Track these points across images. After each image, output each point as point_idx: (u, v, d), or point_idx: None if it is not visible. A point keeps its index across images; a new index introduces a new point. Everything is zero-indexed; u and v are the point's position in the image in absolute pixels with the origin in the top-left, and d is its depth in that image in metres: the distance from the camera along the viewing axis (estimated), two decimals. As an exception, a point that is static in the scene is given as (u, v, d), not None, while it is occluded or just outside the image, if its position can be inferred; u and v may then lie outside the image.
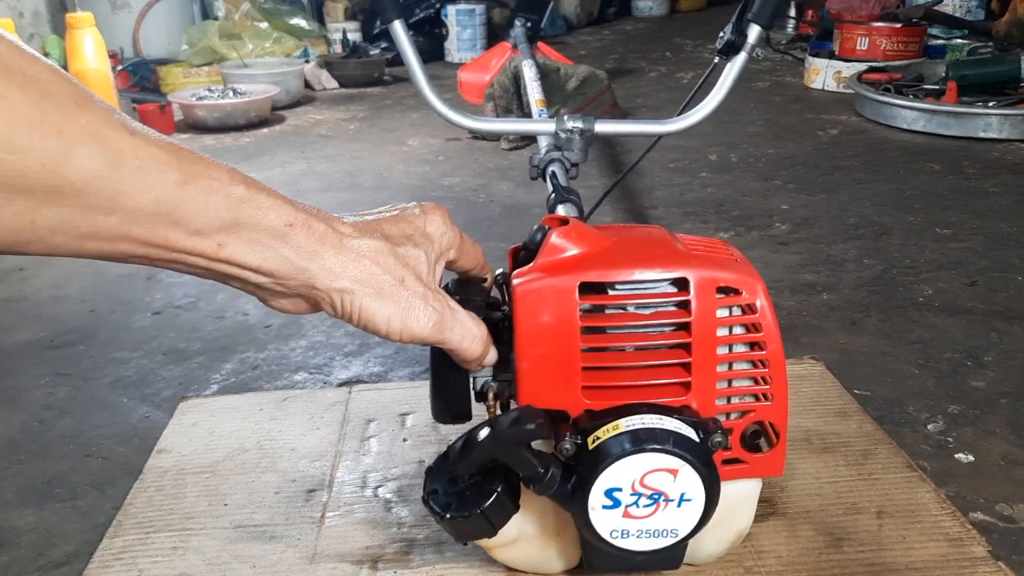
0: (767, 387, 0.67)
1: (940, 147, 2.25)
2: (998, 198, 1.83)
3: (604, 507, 0.63)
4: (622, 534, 0.65)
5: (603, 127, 1.38)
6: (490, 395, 0.70)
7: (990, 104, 2.34)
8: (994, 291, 1.38)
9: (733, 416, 0.68)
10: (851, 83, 2.75)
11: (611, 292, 0.66)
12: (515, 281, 0.66)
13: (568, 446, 0.64)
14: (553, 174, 1.36)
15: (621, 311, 0.66)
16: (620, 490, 0.63)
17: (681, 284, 0.65)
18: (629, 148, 2.31)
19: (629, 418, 0.63)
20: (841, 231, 1.65)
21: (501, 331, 0.69)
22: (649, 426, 0.62)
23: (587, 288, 0.65)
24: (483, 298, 0.71)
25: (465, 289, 0.71)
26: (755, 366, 0.67)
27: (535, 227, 0.70)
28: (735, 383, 0.67)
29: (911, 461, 0.93)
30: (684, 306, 0.65)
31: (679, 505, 0.64)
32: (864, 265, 1.49)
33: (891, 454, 0.94)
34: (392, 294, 0.59)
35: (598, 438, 0.63)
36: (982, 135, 2.31)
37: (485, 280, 0.73)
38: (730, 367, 0.67)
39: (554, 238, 0.67)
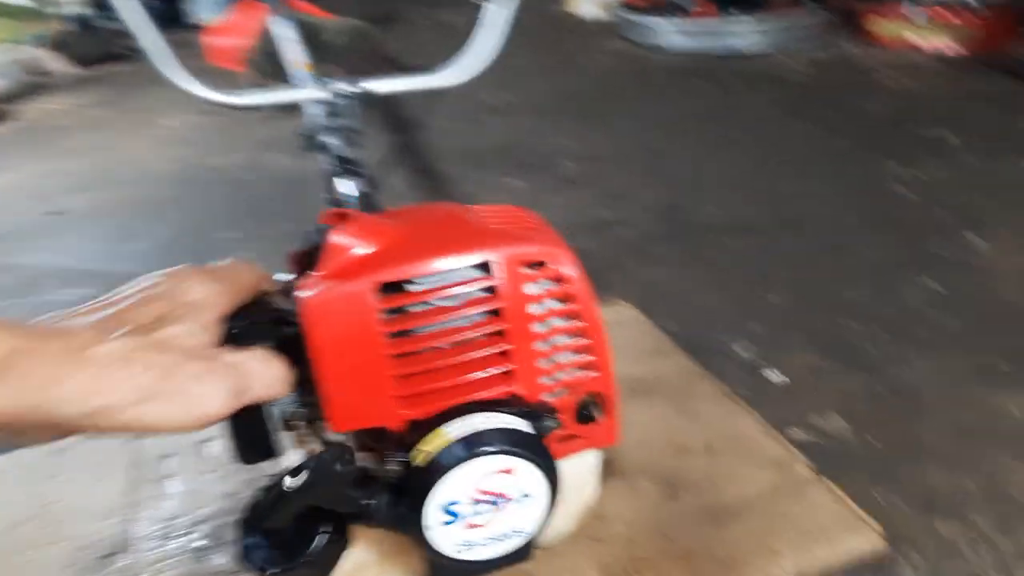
0: (591, 357, 0.64)
1: (705, 66, 2.35)
2: (762, 110, 1.93)
3: (444, 523, 0.58)
4: (467, 546, 0.60)
5: (378, 86, 1.29)
6: (298, 425, 0.62)
7: (743, 18, 2.46)
8: (776, 204, 1.45)
9: (561, 393, 0.64)
10: (615, 9, 2.80)
11: (411, 289, 0.59)
12: (301, 294, 0.58)
13: (393, 467, 0.57)
14: (326, 145, 1.26)
15: (425, 307, 0.60)
16: (458, 503, 0.58)
17: (484, 267, 0.60)
18: (407, 103, 2.22)
19: (453, 423, 0.58)
20: (625, 162, 1.68)
21: (298, 349, 0.61)
22: (477, 429, 0.57)
23: (384, 289, 0.58)
24: (269, 316, 0.62)
25: (247, 312, 0.62)
26: (575, 337, 0.64)
27: (312, 228, 0.61)
28: (557, 358, 0.64)
29: (729, 391, 0.95)
30: (491, 291, 0.60)
31: (521, 503, 0.60)
32: (652, 194, 1.53)
33: (710, 387, 0.95)
34: (164, 390, 0.49)
35: (424, 452, 0.57)
36: (741, 49, 2.43)
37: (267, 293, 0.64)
38: (550, 344, 0.63)
39: (335, 238, 0.59)
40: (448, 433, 0.57)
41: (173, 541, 0.80)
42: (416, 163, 1.78)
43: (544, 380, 0.63)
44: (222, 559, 0.77)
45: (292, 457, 0.67)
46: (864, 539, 0.73)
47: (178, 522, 0.82)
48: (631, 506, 0.79)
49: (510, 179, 1.61)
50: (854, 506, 0.77)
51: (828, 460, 0.84)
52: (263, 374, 0.54)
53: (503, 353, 0.61)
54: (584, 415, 0.67)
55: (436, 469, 0.56)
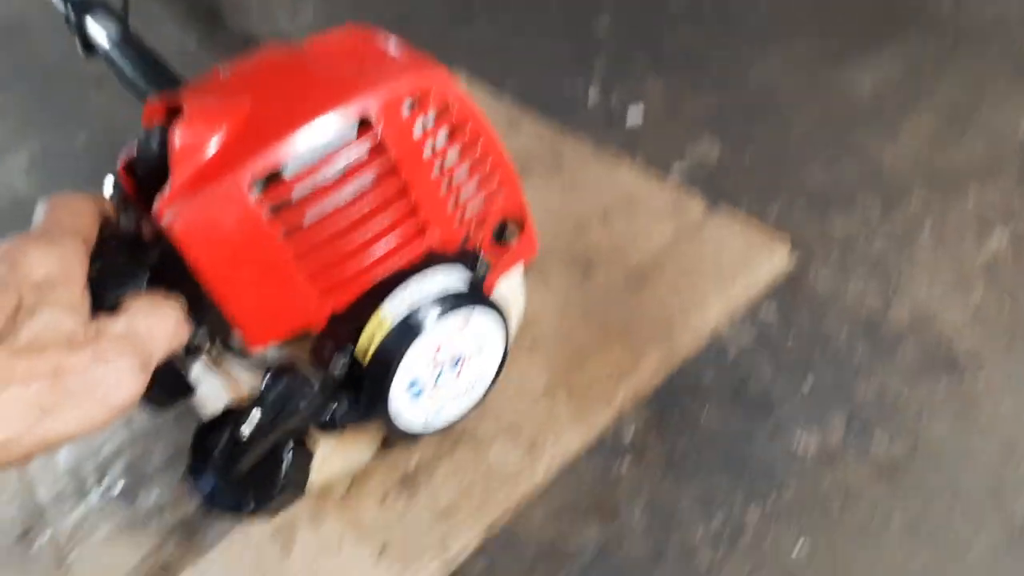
0: (497, 179, 0.59)
1: None
2: None
3: (410, 402, 0.54)
4: (436, 413, 0.57)
5: None
6: (205, 347, 0.55)
7: None
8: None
9: (475, 228, 0.59)
10: None
11: (287, 177, 0.50)
12: (165, 218, 0.47)
13: (339, 371, 0.52)
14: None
15: (311, 190, 0.51)
16: (418, 378, 0.54)
17: (363, 123, 0.51)
18: None
19: (388, 305, 0.52)
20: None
21: (173, 272, 0.52)
22: (415, 301, 0.52)
23: (258, 184, 0.49)
24: (124, 251, 0.51)
25: (99, 251, 0.50)
26: (478, 165, 0.57)
27: (143, 134, 0.50)
28: (464, 194, 0.58)
29: (597, 146, 0.92)
30: (381, 146, 0.52)
31: (480, 353, 0.57)
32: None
33: (576, 147, 0.92)
34: (61, 398, 0.39)
35: (370, 343, 0.52)
36: None
37: (111, 221, 0.53)
38: (451, 183, 0.56)
39: (180, 139, 0.48)
40: (388, 315, 0.52)
41: (91, 493, 0.72)
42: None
43: (456, 222, 0.57)
44: (154, 492, 0.71)
45: (208, 383, 0.60)
46: (776, 259, 0.76)
47: (84, 470, 0.74)
48: (551, 300, 0.78)
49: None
50: (756, 230, 0.79)
51: (715, 187, 0.85)
52: (160, 328, 0.46)
53: (410, 211, 0.54)
54: (502, 239, 0.62)
55: (389, 356, 0.52)
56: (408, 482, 0.67)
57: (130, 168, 0.52)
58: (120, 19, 1.00)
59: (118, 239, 0.52)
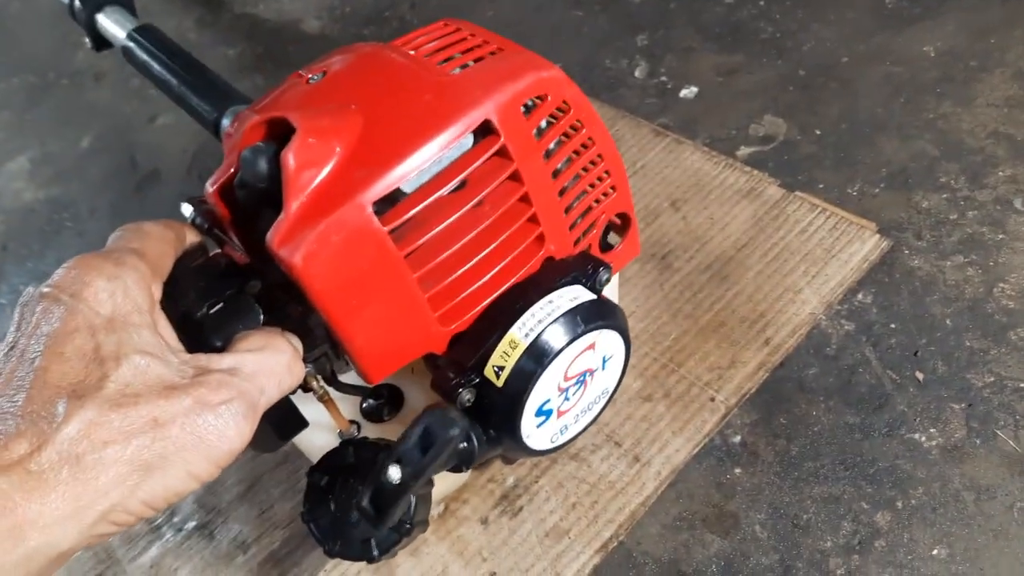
0: (609, 181, 0.55)
1: None
2: None
3: (538, 426, 0.52)
4: (561, 432, 0.54)
5: None
6: (314, 382, 0.51)
7: None
8: None
9: (588, 231, 0.56)
10: None
11: (408, 191, 0.46)
12: (285, 251, 0.44)
13: (468, 397, 0.49)
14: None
15: (432, 205, 0.47)
16: (548, 400, 0.51)
17: (485, 130, 0.48)
18: None
19: (520, 325, 0.49)
20: None
21: (278, 303, 0.48)
22: (547, 318, 0.49)
23: (381, 205, 0.45)
24: (224, 281, 0.48)
25: (188, 285, 0.47)
26: (593, 166, 0.54)
27: (248, 153, 0.45)
28: (577, 198, 0.54)
29: (655, 127, 0.89)
30: (503, 153, 0.48)
31: (604, 367, 0.54)
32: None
33: (634, 129, 0.89)
34: (163, 453, 0.36)
35: (500, 368, 0.49)
36: None
37: (196, 248, 0.49)
38: (567, 187, 0.53)
39: (296, 160, 0.44)
40: (521, 336, 0.49)
41: (164, 531, 0.69)
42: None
43: (569, 227, 0.54)
44: (233, 528, 0.68)
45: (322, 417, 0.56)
46: (866, 241, 0.74)
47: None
48: (632, 297, 0.75)
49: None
50: (840, 211, 0.77)
51: (785, 167, 0.83)
52: (272, 368, 0.43)
53: (531, 219, 0.51)
54: (608, 242, 0.59)
55: (524, 380, 0.49)
56: (509, 501, 0.65)
57: (225, 191, 0.48)
58: (132, 10, 0.95)
59: (210, 269, 0.48)
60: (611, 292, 0.64)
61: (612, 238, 0.61)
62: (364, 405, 0.60)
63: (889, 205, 0.77)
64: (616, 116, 0.91)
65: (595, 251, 0.57)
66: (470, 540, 0.63)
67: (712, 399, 0.67)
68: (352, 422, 0.58)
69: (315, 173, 0.45)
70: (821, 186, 0.80)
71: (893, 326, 0.69)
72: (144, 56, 0.84)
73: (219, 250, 0.52)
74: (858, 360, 0.68)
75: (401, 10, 1.23)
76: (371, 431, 0.58)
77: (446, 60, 0.52)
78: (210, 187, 0.49)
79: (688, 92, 0.93)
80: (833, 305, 0.71)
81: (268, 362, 0.42)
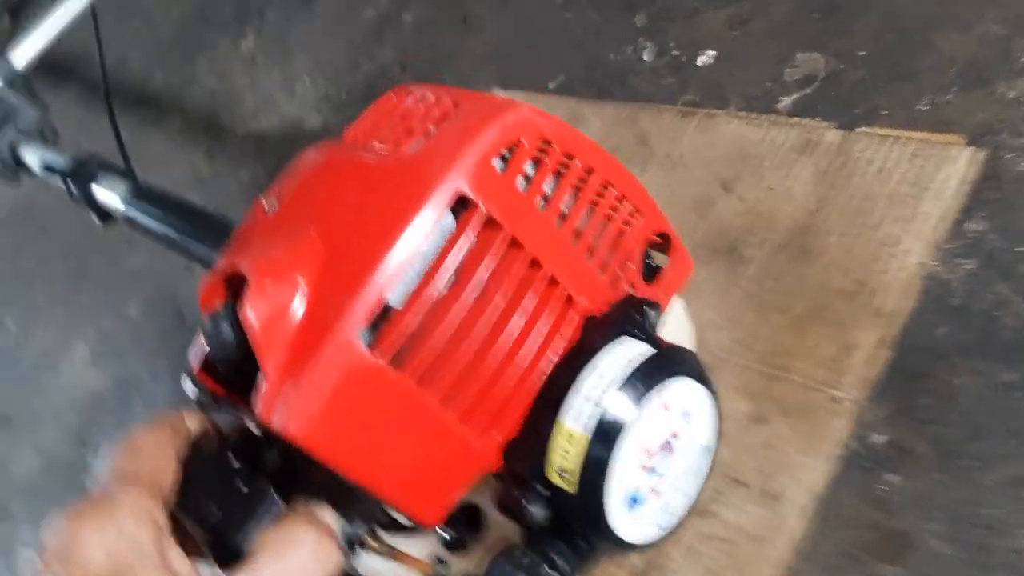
0: (628, 204, 0.47)
1: None
2: None
3: (635, 519, 0.44)
4: (666, 511, 0.46)
5: (24, 52, 1.00)
6: (372, 540, 0.45)
7: None
8: None
9: (627, 269, 0.48)
10: None
11: (396, 306, 0.40)
12: (275, 419, 0.38)
13: (540, 513, 0.42)
14: (40, 163, 0.96)
15: (429, 311, 0.41)
16: (636, 486, 0.43)
17: (461, 204, 0.41)
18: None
19: (570, 411, 0.41)
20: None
21: (300, 470, 0.43)
22: (600, 395, 0.41)
23: (369, 333, 0.39)
24: (228, 464, 0.42)
25: (204, 477, 0.42)
26: (598, 199, 0.46)
27: (208, 322, 0.40)
28: (597, 238, 0.47)
29: (681, 107, 0.80)
30: (490, 223, 0.41)
31: (689, 422, 0.45)
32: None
33: (658, 118, 0.80)
34: None
35: (564, 470, 0.41)
36: None
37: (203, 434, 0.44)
38: (579, 230, 0.45)
39: (256, 313, 0.38)
40: (575, 424, 0.41)
41: None
42: (153, 113, 1.43)
43: (599, 272, 0.46)
44: None
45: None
46: (958, 161, 0.63)
47: None
48: (708, 304, 0.66)
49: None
50: (915, 135, 0.66)
51: (838, 105, 0.72)
52: (297, 569, 0.38)
53: (550, 282, 0.43)
54: (652, 268, 0.51)
55: (596, 477, 0.41)
56: (642, 581, 0.57)
57: (208, 367, 0.43)
58: (126, 173, 0.93)
59: (220, 459, 0.43)
60: (678, 316, 0.56)
61: (659, 258, 0.53)
62: (443, 537, 0.53)
63: (970, 108, 0.66)
64: (636, 109, 0.83)
65: (640, 286, 0.49)
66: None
67: (834, 399, 0.57)
68: (439, 561, 0.51)
69: (283, 319, 0.39)
70: (884, 113, 0.70)
71: (1021, 248, 0.58)
72: (142, 219, 0.82)
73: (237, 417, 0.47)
74: (993, 301, 0.57)
75: (392, 73, 1.18)
76: (460, 563, 0.51)
77: (405, 135, 0.45)
78: (194, 366, 0.44)
79: (705, 58, 0.84)
80: (941, 246, 0.61)
81: (292, 564, 0.37)
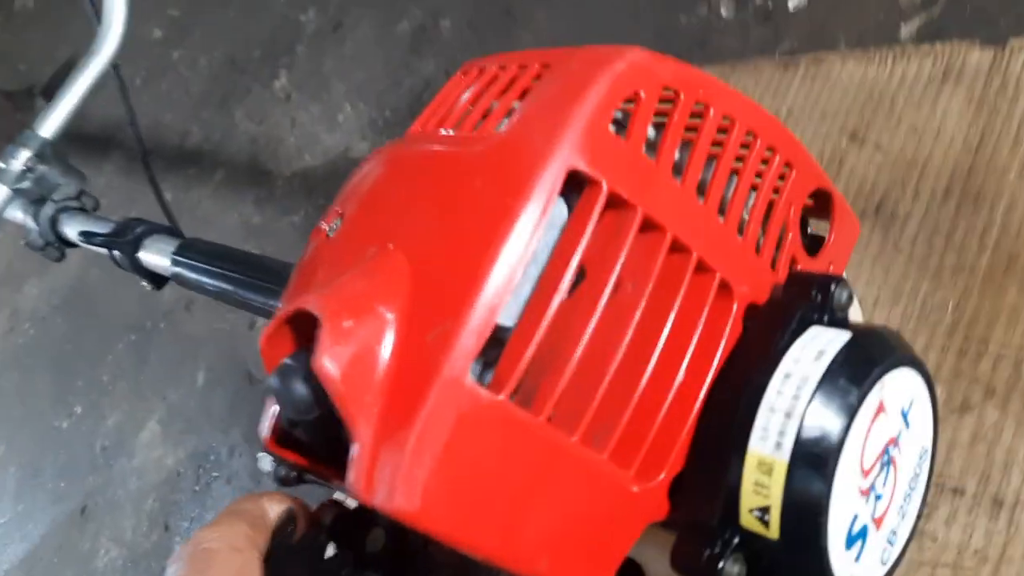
0: (778, 158, 0.38)
1: None
2: None
3: (858, 557, 0.34)
4: (890, 543, 0.36)
5: (52, 123, 0.94)
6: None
7: None
8: None
9: (785, 241, 0.39)
10: None
11: (512, 324, 0.31)
12: (378, 497, 0.29)
13: (732, 568, 0.32)
14: (84, 232, 0.91)
15: (553, 326, 0.32)
16: (856, 516, 0.33)
17: (576, 183, 0.32)
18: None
19: (759, 435, 0.32)
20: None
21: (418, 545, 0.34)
22: (797, 405, 0.32)
23: (479, 366, 0.30)
24: (320, 546, 0.34)
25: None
26: (743, 153, 0.37)
27: (275, 382, 0.32)
28: (747, 206, 0.37)
29: (780, 59, 0.70)
30: (615, 202, 0.32)
31: (908, 423, 0.35)
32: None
33: (755, 76, 0.70)
34: None
35: (763, 509, 0.31)
36: None
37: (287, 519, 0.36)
38: (727, 198, 0.36)
39: (334, 364, 0.30)
40: (772, 451, 0.31)
41: None
42: (178, 163, 1.39)
43: (755, 248, 0.37)
44: None
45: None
46: None
47: None
48: (870, 277, 0.56)
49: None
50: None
51: (975, 18, 0.62)
52: None
53: (698, 269, 0.34)
54: (814, 239, 0.42)
55: (809, 512, 0.31)
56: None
57: (284, 434, 0.35)
58: (171, 231, 0.87)
59: (314, 545, 0.34)
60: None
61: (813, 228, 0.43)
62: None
63: None
64: (727, 71, 0.73)
65: (804, 260, 0.40)
66: None
67: None
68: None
69: (369, 364, 0.30)
70: (1037, 18, 0.59)
71: None
72: (193, 275, 0.76)
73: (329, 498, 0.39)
74: None
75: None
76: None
77: (484, 118, 0.36)
78: (266, 435, 0.36)
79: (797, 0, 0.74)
80: None
81: None
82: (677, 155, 0.36)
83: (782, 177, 0.39)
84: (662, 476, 0.33)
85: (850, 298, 0.35)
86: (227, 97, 1.43)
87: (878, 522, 0.35)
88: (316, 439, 0.34)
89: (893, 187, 0.58)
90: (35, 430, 1.25)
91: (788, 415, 0.32)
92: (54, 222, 0.97)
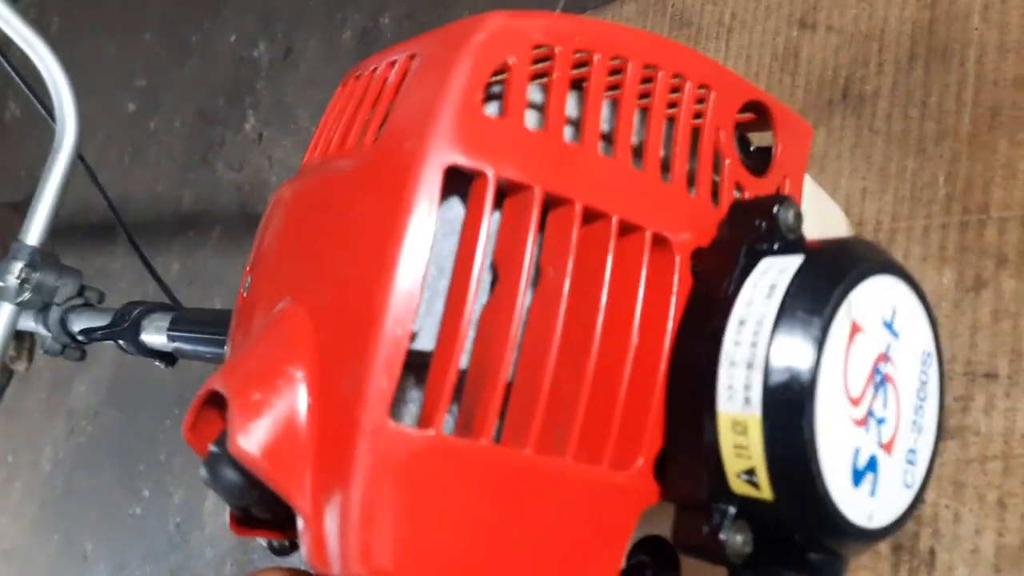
0: (689, 81, 0.35)
1: None
2: None
3: (873, 492, 0.31)
4: (911, 462, 0.33)
5: (35, 230, 0.94)
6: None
7: None
8: None
9: (724, 168, 0.36)
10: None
11: (431, 346, 0.29)
12: (333, 568, 0.27)
13: (741, 542, 0.29)
14: (84, 330, 0.92)
15: (478, 335, 0.29)
16: (858, 449, 0.30)
17: (460, 177, 0.29)
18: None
19: (724, 393, 0.29)
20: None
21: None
22: (757, 351, 0.29)
23: (404, 398, 0.28)
24: None
25: None
26: (646, 93, 0.34)
27: (203, 473, 0.30)
28: (664, 145, 0.34)
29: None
30: (510, 187, 0.30)
31: (896, 332, 0.32)
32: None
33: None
34: None
35: (750, 472, 0.29)
36: None
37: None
38: (642, 140, 0.33)
39: (251, 448, 0.28)
40: (741, 408, 0.29)
41: None
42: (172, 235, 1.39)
43: (686, 185, 0.34)
44: None
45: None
46: None
47: None
48: (857, 160, 0.52)
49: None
50: None
51: None
52: None
53: (624, 230, 0.31)
54: (755, 156, 0.38)
55: (799, 464, 0.28)
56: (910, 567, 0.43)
57: (246, 518, 0.33)
58: (167, 307, 0.87)
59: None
60: (815, 198, 0.42)
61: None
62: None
63: None
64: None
65: (751, 184, 0.36)
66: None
67: None
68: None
69: (291, 434, 0.28)
70: None
71: None
72: (190, 347, 0.75)
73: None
74: None
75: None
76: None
77: (363, 125, 0.34)
78: (229, 521, 0.34)
79: None
80: None
81: None
82: (575, 113, 0.33)
83: (701, 101, 0.35)
84: (640, 461, 0.31)
85: (798, 216, 0.32)
86: (206, 152, 1.42)
87: (888, 447, 0.32)
88: (273, 513, 0.32)
89: (855, 66, 0.53)
90: (114, 522, 1.28)
91: (750, 366, 0.29)
92: (63, 324, 0.97)
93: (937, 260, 0.46)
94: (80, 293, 1.02)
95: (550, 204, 0.30)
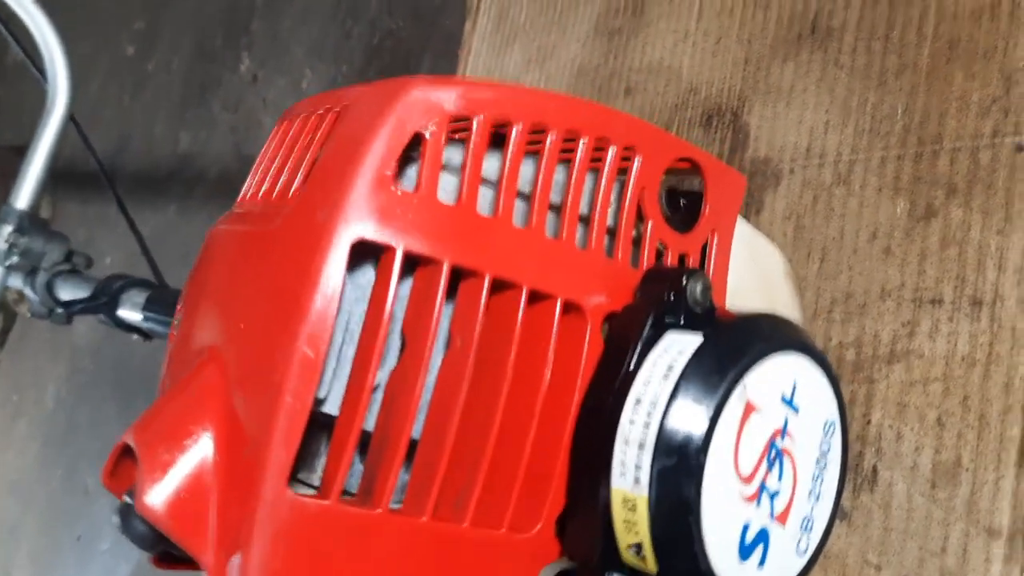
0: (613, 144, 0.35)
1: None
2: None
3: (763, 560, 0.32)
4: (805, 529, 0.34)
5: (24, 193, 0.94)
6: None
7: None
8: None
9: (647, 228, 0.36)
10: None
11: (333, 411, 0.30)
12: None
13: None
14: (66, 302, 0.92)
15: (384, 402, 0.31)
16: (746, 525, 0.31)
17: (369, 250, 0.30)
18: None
19: (617, 470, 0.30)
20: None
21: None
22: (648, 434, 0.30)
23: (305, 469, 0.29)
24: None
25: None
26: (568, 156, 0.34)
27: (116, 523, 0.32)
28: (590, 206, 0.35)
29: None
30: (417, 260, 0.30)
31: (796, 407, 0.33)
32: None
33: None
34: None
35: (638, 546, 0.30)
36: None
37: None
38: (557, 210, 0.34)
39: (157, 506, 0.30)
40: (631, 486, 0.30)
41: None
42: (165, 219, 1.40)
43: (603, 249, 0.35)
44: None
45: None
46: None
47: None
48: (822, 95, 0.52)
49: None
50: None
51: None
52: None
53: (533, 298, 0.32)
54: (686, 207, 0.39)
55: (683, 544, 0.30)
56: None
57: (164, 557, 0.35)
58: (149, 283, 0.87)
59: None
60: (748, 241, 0.43)
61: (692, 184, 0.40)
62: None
63: None
64: None
65: (673, 241, 0.37)
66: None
67: (1019, 146, 0.43)
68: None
69: (196, 493, 0.30)
70: None
71: None
72: (161, 328, 0.76)
73: None
74: None
75: (380, 26, 1.07)
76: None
77: (288, 179, 0.35)
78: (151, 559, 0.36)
79: None
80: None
81: None
82: (495, 176, 0.33)
83: (624, 163, 0.36)
84: (540, 522, 0.32)
85: (706, 290, 0.33)
86: (204, 91, 1.42)
87: (782, 517, 0.33)
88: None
89: (821, 2, 0.54)
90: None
91: (641, 446, 0.30)
92: (49, 289, 0.98)
93: (891, 190, 0.47)
94: (67, 259, 1.02)
95: (461, 274, 0.31)
